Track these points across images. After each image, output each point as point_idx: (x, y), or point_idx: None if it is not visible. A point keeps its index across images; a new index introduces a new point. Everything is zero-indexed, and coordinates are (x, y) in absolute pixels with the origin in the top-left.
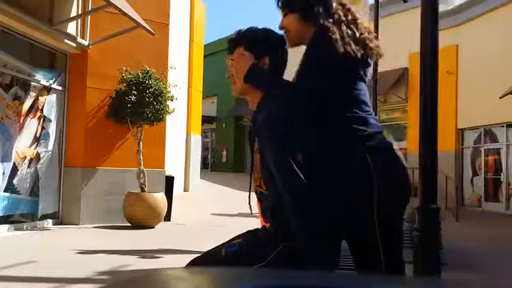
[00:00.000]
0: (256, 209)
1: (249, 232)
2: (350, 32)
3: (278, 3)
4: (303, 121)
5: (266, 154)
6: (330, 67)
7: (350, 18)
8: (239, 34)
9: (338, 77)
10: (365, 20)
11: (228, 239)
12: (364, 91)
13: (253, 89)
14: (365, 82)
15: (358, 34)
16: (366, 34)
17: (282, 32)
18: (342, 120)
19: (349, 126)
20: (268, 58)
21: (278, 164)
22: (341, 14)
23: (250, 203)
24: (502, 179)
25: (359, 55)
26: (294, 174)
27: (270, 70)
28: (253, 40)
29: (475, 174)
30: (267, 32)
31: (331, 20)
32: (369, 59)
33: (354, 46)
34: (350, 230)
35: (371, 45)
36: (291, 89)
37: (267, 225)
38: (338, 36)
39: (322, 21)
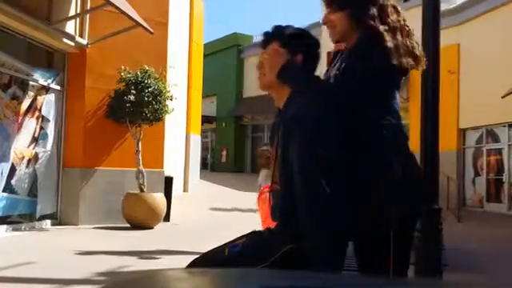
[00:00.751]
0: (259, 208)
1: (253, 232)
2: (404, 42)
3: None
4: (333, 120)
5: (287, 150)
6: (374, 74)
7: (403, 23)
8: (276, 28)
9: (380, 84)
10: None
11: (228, 239)
12: (398, 100)
13: (282, 85)
14: (399, 90)
15: (410, 45)
16: (415, 43)
17: (324, 26)
18: (374, 126)
19: (380, 133)
20: (301, 56)
21: (300, 162)
22: (395, 19)
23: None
24: (504, 179)
25: (409, 67)
26: (316, 173)
27: (302, 68)
28: (288, 37)
29: (477, 174)
30: (303, 32)
31: (386, 27)
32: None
33: (406, 58)
34: (363, 230)
35: (419, 55)
36: (327, 87)
37: (272, 225)
38: (392, 45)
39: (375, 24)
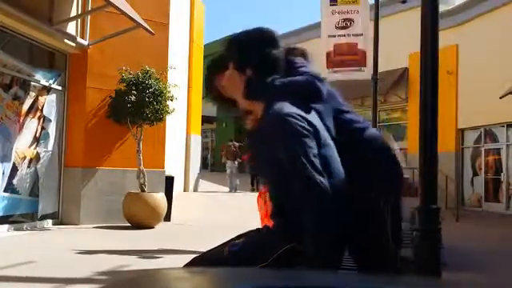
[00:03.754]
0: (258, 207)
1: (251, 231)
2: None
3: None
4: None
5: (268, 153)
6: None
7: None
8: (220, 55)
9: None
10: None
11: (228, 239)
12: (327, 106)
13: (255, 102)
14: (323, 100)
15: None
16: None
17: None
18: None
19: (349, 133)
20: (250, 68)
21: (290, 165)
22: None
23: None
24: (502, 179)
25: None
26: (308, 176)
27: (258, 76)
28: (236, 54)
29: (475, 174)
30: (248, 36)
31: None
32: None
33: None
34: (359, 231)
35: None
36: (291, 89)
37: (270, 224)
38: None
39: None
